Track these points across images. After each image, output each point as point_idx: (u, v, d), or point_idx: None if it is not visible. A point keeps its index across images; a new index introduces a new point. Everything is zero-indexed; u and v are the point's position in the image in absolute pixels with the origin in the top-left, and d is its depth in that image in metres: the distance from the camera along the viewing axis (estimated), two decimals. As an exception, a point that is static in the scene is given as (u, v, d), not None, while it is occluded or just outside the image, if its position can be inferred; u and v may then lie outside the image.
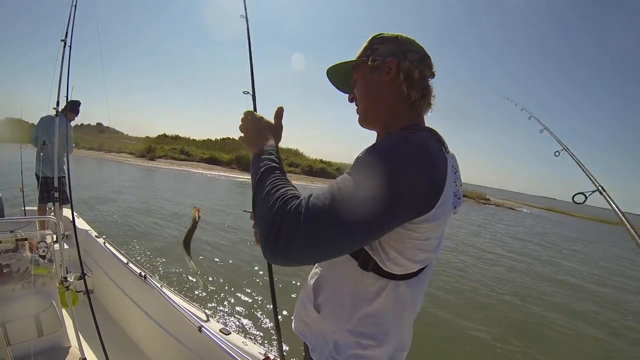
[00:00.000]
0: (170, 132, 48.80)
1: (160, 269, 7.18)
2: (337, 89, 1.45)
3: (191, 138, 46.86)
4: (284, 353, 2.03)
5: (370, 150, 0.99)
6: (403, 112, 1.23)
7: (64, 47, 3.13)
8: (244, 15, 1.86)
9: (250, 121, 1.25)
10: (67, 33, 3.17)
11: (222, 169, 34.93)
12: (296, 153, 46.58)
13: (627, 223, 1.48)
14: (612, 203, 1.71)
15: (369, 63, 1.24)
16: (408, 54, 1.22)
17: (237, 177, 31.47)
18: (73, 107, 5.53)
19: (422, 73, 1.23)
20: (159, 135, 46.35)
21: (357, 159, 1.06)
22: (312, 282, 1.28)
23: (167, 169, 30.44)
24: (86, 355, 2.65)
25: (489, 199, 52.20)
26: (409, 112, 1.23)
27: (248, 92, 2.05)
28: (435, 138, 1.11)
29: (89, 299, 2.78)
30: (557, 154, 2.42)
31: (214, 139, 46.40)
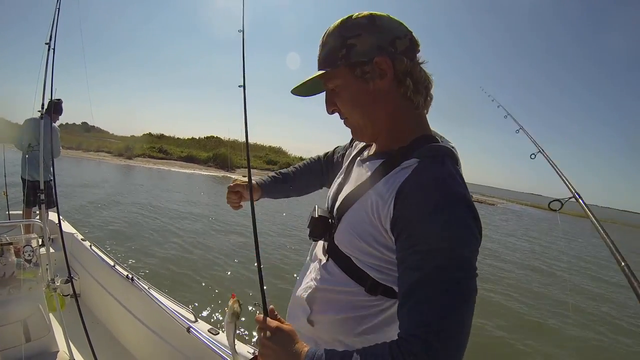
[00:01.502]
0: (156, 131, 49.17)
1: (146, 269, 7.14)
2: (304, 96, 1.25)
3: (176, 137, 46.67)
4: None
5: (430, 220, 0.87)
6: (409, 120, 1.09)
7: (49, 50, 3.11)
8: (242, 29, 1.84)
9: (276, 347, 0.98)
10: (51, 36, 3.15)
11: (199, 167, 35.06)
12: (278, 150, 47.21)
13: (601, 231, 1.50)
14: (587, 210, 1.71)
15: (357, 72, 1.04)
16: (397, 43, 1.03)
17: (212, 174, 31.92)
18: (57, 108, 5.45)
19: (419, 64, 1.08)
20: (144, 134, 46.21)
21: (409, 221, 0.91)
22: (305, 296, 1.18)
23: (143, 167, 30.51)
24: (75, 359, 2.64)
25: (471, 195, 52.63)
26: (415, 118, 1.10)
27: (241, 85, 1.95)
28: (453, 156, 1.02)
29: (77, 302, 2.77)
30: (533, 156, 2.38)
31: (198, 138, 46.23)
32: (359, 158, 1.26)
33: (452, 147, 1.09)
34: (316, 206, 1.24)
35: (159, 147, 38.68)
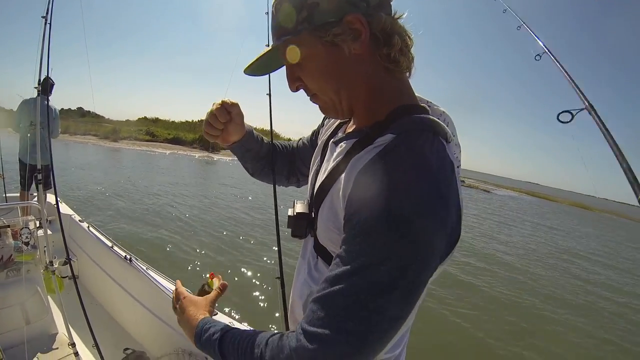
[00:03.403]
0: (152, 115, 48.85)
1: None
2: (263, 74, 1.12)
3: (171, 120, 46.87)
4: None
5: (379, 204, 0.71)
6: (389, 89, 0.92)
7: (45, 24, 3.05)
8: (268, 93, 1.71)
9: (176, 311, 1.10)
10: (47, 9, 3.09)
11: (183, 148, 35.39)
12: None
13: (616, 151, 1.33)
14: (600, 124, 1.50)
15: (326, 37, 0.86)
16: None
17: (195, 154, 32.42)
18: (50, 87, 5.37)
19: (398, 20, 0.89)
20: (139, 119, 46.41)
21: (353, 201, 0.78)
22: (301, 301, 1.05)
23: (128, 149, 30.86)
24: (75, 341, 2.66)
25: (463, 181, 53.60)
26: (396, 85, 0.93)
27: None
28: (437, 129, 0.83)
29: (76, 284, 2.78)
30: (537, 58, 2.09)
31: (191, 121, 46.36)
32: (332, 140, 1.08)
33: (441, 114, 0.98)
34: (295, 200, 1.10)
35: (146, 129, 38.89)
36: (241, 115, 1.26)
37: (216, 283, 1.19)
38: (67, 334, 2.69)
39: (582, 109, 1.57)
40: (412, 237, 0.69)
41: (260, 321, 5.41)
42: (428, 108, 0.94)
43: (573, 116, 1.54)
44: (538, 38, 2.12)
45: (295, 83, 0.97)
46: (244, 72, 1.06)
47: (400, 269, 0.68)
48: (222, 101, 1.22)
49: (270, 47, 0.97)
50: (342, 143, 0.99)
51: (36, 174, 2.98)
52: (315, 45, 0.87)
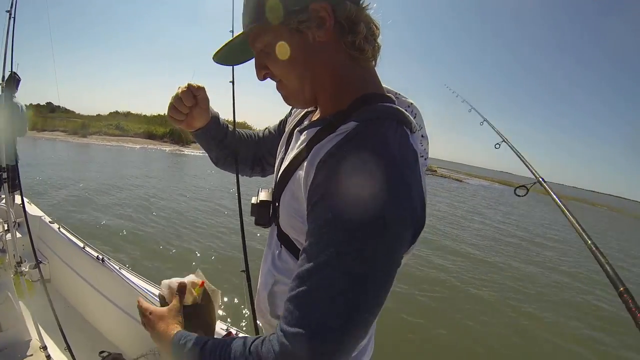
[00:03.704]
0: (124, 108, 48.22)
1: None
2: (233, 65, 1.14)
3: (143, 114, 46.19)
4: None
5: (334, 200, 0.71)
6: (354, 77, 0.92)
7: (9, 18, 2.98)
8: (232, 80, 1.69)
9: (149, 329, 1.05)
10: (12, 3, 3.02)
11: (154, 142, 35.13)
12: (244, 125, 47.27)
13: (567, 213, 1.47)
14: (552, 194, 1.67)
15: (291, 24, 0.87)
16: None
17: (165, 148, 32.46)
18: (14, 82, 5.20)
19: (365, 9, 0.91)
20: (110, 113, 45.49)
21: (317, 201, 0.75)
22: (265, 291, 1.04)
23: (98, 144, 30.39)
24: (46, 344, 2.61)
25: (435, 170, 54.46)
26: (361, 74, 0.93)
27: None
28: (401, 118, 0.82)
29: (45, 287, 2.72)
30: (497, 146, 2.37)
31: (164, 114, 46.11)
32: (297, 128, 1.09)
33: (409, 106, 1.00)
34: (259, 188, 1.10)
35: (116, 124, 38.27)
36: (207, 100, 1.25)
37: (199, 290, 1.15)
38: (39, 340, 2.64)
39: (535, 182, 1.85)
40: (377, 226, 0.69)
41: (231, 314, 5.48)
42: (395, 98, 0.96)
43: (528, 190, 1.82)
44: (497, 131, 2.46)
45: (262, 71, 0.98)
46: (213, 59, 1.06)
47: (369, 258, 0.69)
48: (188, 84, 1.19)
49: (238, 34, 0.97)
50: (306, 131, 0.99)
51: (1, 174, 2.91)
52: (280, 33, 0.88)
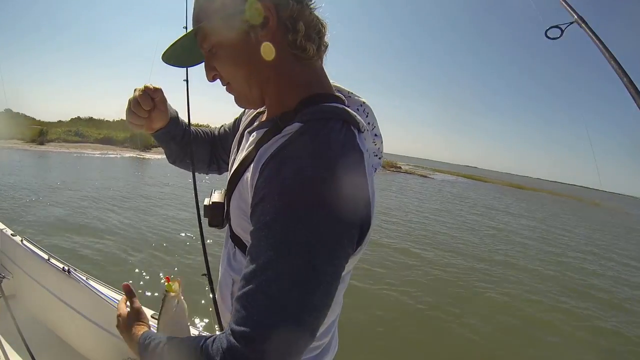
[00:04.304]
0: (86, 114, 48.54)
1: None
2: (184, 67, 1.17)
3: (105, 119, 45.69)
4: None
5: (276, 195, 0.73)
6: (298, 76, 0.93)
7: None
8: (185, 79, 1.65)
9: (120, 330, 1.12)
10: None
11: (114, 148, 34.75)
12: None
13: (615, 65, 1.25)
14: (593, 37, 1.39)
15: (235, 24, 0.88)
16: None
17: (125, 154, 32.09)
18: None
19: (309, 7, 0.92)
20: (71, 119, 44.94)
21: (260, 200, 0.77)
22: (224, 291, 1.07)
23: (56, 151, 29.69)
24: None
25: (400, 167, 55.21)
26: (306, 72, 0.94)
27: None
28: (347, 118, 0.84)
29: (7, 303, 2.63)
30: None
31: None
32: (248, 129, 1.11)
33: (361, 105, 1.02)
34: (213, 190, 1.13)
35: (75, 130, 37.73)
36: (165, 102, 1.24)
37: (176, 285, 1.18)
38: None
39: (571, 23, 1.48)
40: (315, 227, 0.70)
41: (194, 314, 5.49)
42: (345, 98, 0.99)
43: (562, 31, 1.47)
44: None
45: (211, 72, 0.99)
46: (162, 59, 1.07)
47: (309, 259, 0.70)
48: (145, 87, 1.19)
49: (183, 34, 0.99)
50: (254, 132, 1.01)
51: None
52: (224, 33, 0.90)
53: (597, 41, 1.37)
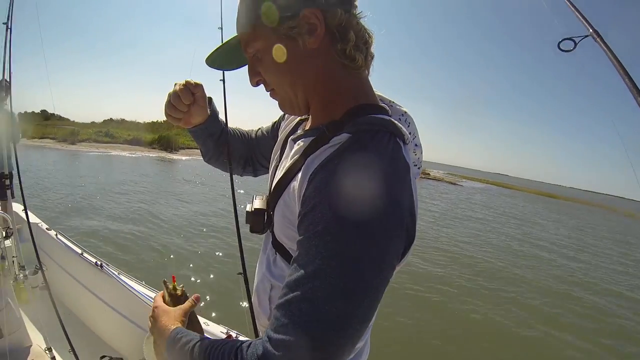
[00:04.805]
0: (117, 116, 48.71)
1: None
2: (227, 70, 1.15)
3: (137, 121, 46.46)
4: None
5: (330, 209, 0.71)
6: (345, 85, 0.92)
7: (6, 30, 3.03)
8: (222, 79, 1.67)
9: (154, 320, 1.09)
10: (9, 15, 3.06)
11: (141, 149, 35.01)
12: None
13: (626, 79, 1.25)
14: (607, 52, 1.38)
15: (281, 30, 0.87)
16: None
17: (152, 154, 32.37)
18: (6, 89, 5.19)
19: (356, 17, 0.90)
20: (104, 120, 45.85)
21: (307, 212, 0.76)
22: (262, 296, 1.05)
23: (86, 151, 30.21)
24: (51, 346, 2.62)
25: (429, 174, 55.00)
26: (353, 82, 0.93)
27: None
28: (394, 130, 0.82)
29: (49, 292, 2.74)
30: None
31: (160, 121, 46.37)
32: (291, 137, 1.08)
33: (403, 114, 1.01)
34: (254, 196, 1.09)
35: (105, 131, 38.37)
36: (204, 97, 1.25)
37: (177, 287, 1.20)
38: (41, 346, 2.64)
39: (586, 36, 1.46)
40: (367, 239, 0.69)
41: (227, 316, 5.38)
42: (388, 108, 0.96)
43: (576, 44, 1.45)
44: None
45: (255, 77, 0.98)
46: (206, 62, 1.07)
47: (358, 271, 0.69)
48: (186, 81, 1.19)
49: (230, 38, 0.98)
50: (299, 141, 0.98)
51: (4, 181, 2.94)
52: (271, 38, 0.88)
53: (611, 56, 1.37)
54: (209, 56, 1.05)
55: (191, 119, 1.27)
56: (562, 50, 1.47)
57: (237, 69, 1.10)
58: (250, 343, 0.73)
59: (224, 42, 1.00)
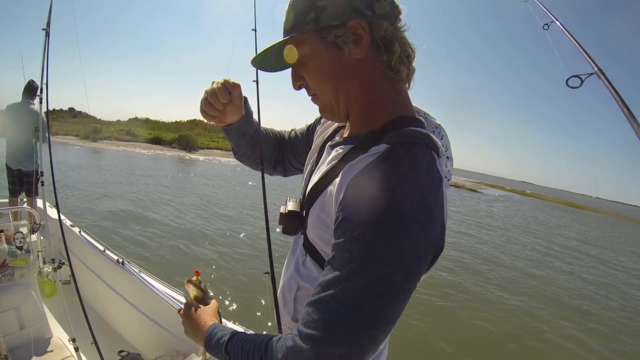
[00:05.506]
0: (142, 115, 49.76)
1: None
2: (270, 71, 1.12)
3: (161, 120, 47.51)
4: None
5: (368, 210, 0.75)
6: (386, 97, 0.95)
7: (45, 35, 3.13)
8: (255, 80, 1.66)
9: (186, 320, 1.12)
10: (47, 22, 3.16)
11: (161, 148, 35.44)
12: None
13: (626, 111, 1.32)
14: (610, 88, 1.46)
15: (328, 38, 0.89)
16: (375, 6, 0.89)
17: (172, 153, 32.81)
18: (34, 90, 5.30)
19: (401, 31, 0.93)
20: (129, 119, 46.78)
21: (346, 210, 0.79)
22: (288, 295, 1.09)
23: (107, 148, 30.78)
24: (76, 338, 2.68)
25: (448, 180, 55.02)
26: (393, 94, 0.96)
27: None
28: (430, 143, 0.84)
29: (76, 286, 2.82)
30: (546, 27, 2.10)
31: (183, 121, 46.68)
32: (329, 143, 1.11)
33: (437, 127, 1.03)
34: (287, 198, 1.12)
35: (127, 129, 39.03)
36: (241, 98, 1.26)
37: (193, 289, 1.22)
38: (61, 338, 2.70)
39: (591, 74, 1.54)
40: (400, 246, 0.72)
41: (252, 314, 5.57)
42: (424, 120, 0.98)
43: (582, 81, 1.53)
44: (545, 7, 2.14)
45: (298, 81, 1.00)
46: (252, 62, 1.08)
47: (388, 276, 0.71)
48: (224, 80, 1.20)
49: (278, 41, 0.98)
50: (338, 147, 1.01)
51: (39, 177, 3.04)
52: (317, 45, 0.91)
53: (614, 94, 1.44)
54: (254, 58, 1.05)
55: (225, 118, 1.29)
56: (570, 87, 1.54)
57: (280, 71, 1.10)
58: (281, 337, 0.78)
59: (271, 44, 0.99)
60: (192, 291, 1.20)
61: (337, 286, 0.72)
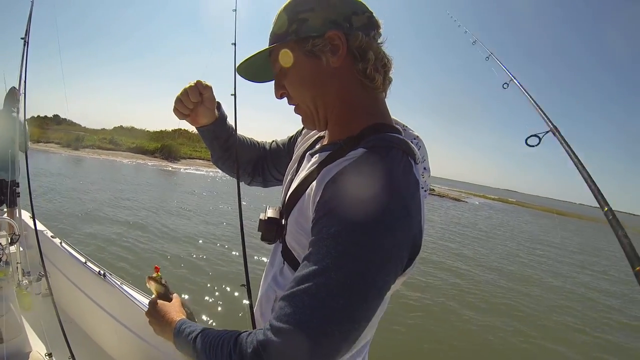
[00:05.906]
0: (129, 123, 49.72)
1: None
2: (254, 81, 1.17)
3: (146, 129, 47.18)
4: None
5: (345, 213, 0.76)
6: (363, 104, 0.99)
7: (24, 45, 3.12)
8: (233, 93, 1.71)
9: (153, 319, 1.16)
10: (26, 31, 3.15)
11: (143, 157, 35.24)
12: None
13: (582, 171, 1.38)
14: (565, 145, 1.53)
15: (307, 47, 0.95)
16: (353, 19, 0.95)
17: (153, 163, 32.65)
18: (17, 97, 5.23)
19: (377, 42, 0.99)
20: (114, 127, 46.89)
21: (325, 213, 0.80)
22: (265, 306, 1.10)
23: (89, 157, 30.70)
24: (52, 355, 2.64)
25: (433, 189, 55.40)
26: (370, 102, 1.00)
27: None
28: (407, 149, 0.87)
29: (53, 299, 2.77)
30: (505, 86, 2.19)
31: (168, 130, 46.64)
32: (309, 152, 1.14)
33: (415, 138, 1.05)
34: (267, 206, 1.13)
35: (109, 138, 38.83)
36: (213, 100, 1.32)
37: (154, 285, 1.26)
38: (41, 352, 2.65)
39: (547, 132, 1.64)
40: (375, 244, 0.74)
41: (231, 327, 5.45)
42: (402, 130, 1.02)
43: (540, 139, 1.62)
44: (505, 67, 2.25)
45: (280, 90, 1.06)
46: (237, 70, 1.14)
47: (363, 272, 0.73)
48: (197, 81, 1.26)
49: (259, 50, 1.04)
50: (317, 154, 1.05)
51: (14, 189, 3.00)
52: (298, 54, 0.97)
53: (569, 150, 1.52)
54: (239, 65, 1.11)
55: (198, 118, 1.34)
56: (529, 145, 1.64)
57: (262, 82, 1.16)
58: (251, 332, 0.79)
59: (255, 52, 1.05)
60: (155, 288, 1.24)
61: (311, 281, 0.74)
